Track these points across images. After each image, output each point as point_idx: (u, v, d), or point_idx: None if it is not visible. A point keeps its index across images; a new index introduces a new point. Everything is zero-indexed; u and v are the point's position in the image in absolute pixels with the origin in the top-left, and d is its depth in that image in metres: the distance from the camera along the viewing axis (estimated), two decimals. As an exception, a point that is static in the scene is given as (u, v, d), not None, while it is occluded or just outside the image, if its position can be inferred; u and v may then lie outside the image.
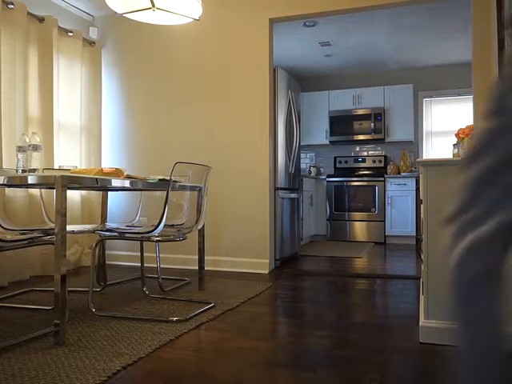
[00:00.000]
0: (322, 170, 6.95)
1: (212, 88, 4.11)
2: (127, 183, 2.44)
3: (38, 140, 2.45)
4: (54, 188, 2.03)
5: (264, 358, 1.86)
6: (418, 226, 5.97)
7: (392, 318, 2.46)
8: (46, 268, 3.74)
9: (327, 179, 6.44)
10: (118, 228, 2.86)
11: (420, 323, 2.09)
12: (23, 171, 2.40)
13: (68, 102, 4.10)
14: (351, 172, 6.70)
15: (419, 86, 6.57)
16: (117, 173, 2.47)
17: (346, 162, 6.81)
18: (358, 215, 6.24)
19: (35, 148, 2.42)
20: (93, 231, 2.91)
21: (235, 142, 4.02)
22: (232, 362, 1.82)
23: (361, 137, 6.48)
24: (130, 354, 1.88)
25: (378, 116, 6.40)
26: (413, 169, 6.37)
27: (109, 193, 3.83)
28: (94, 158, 4.33)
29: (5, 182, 2.09)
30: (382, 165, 6.58)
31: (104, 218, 3.47)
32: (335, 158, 6.88)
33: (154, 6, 2.55)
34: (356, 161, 6.77)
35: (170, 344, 2.03)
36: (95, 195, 4.23)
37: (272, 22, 3.98)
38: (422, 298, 2.37)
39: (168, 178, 2.58)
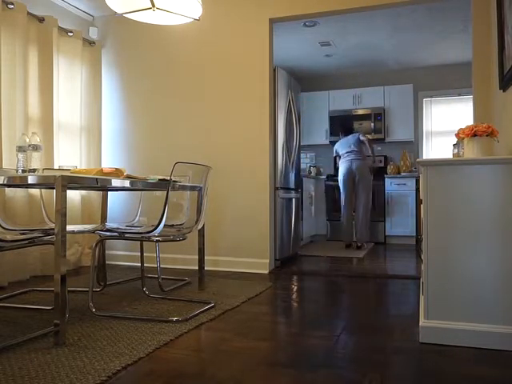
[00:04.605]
0: (321, 169, 6.95)
1: (212, 88, 4.11)
2: (127, 183, 2.44)
3: (38, 140, 2.45)
4: (54, 188, 2.03)
5: (264, 358, 1.86)
6: (418, 226, 5.97)
7: (392, 318, 2.46)
8: (46, 268, 3.74)
9: (327, 179, 6.45)
10: (118, 228, 2.86)
11: (420, 323, 2.09)
12: (23, 171, 2.40)
13: (68, 102, 4.09)
14: (351, 172, 6.68)
15: (419, 86, 6.57)
16: (117, 173, 2.47)
17: (346, 162, 6.79)
18: (358, 215, 6.23)
19: (35, 148, 2.42)
20: (93, 231, 2.91)
21: (235, 141, 4.02)
22: (232, 362, 1.82)
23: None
24: (129, 354, 1.88)
25: (378, 116, 6.40)
26: (413, 169, 6.37)
27: (109, 193, 3.83)
28: (93, 158, 4.33)
29: (5, 182, 2.09)
30: (382, 165, 6.58)
31: (104, 218, 3.47)
32: (335, 157, 6.87)
33: (153, 5, 2.55)
34: (356, 161, 6.75)
35: (170, 344, 2.03)
36: (95, 195, 4.23)
37: (272, 21, 3.98)
38: (421, 297, 2.37)
39: (168, 178, 2.58)
